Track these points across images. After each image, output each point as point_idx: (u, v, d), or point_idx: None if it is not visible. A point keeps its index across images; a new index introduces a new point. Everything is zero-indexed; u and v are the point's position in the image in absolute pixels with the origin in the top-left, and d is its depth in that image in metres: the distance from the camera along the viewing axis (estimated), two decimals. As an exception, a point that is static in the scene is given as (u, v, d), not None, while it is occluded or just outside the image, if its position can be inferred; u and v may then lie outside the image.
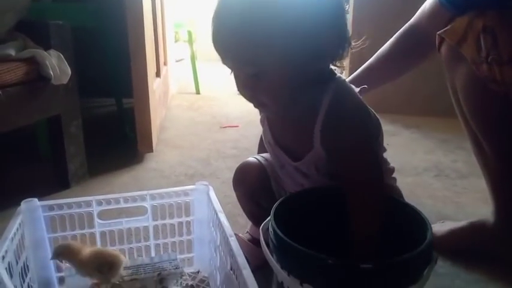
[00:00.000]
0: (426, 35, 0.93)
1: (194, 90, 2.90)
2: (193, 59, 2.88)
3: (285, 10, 0.62)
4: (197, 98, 2.78)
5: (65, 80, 1.24)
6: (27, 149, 1.69)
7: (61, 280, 0.83)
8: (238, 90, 0.71)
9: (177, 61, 3.65)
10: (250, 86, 0.68)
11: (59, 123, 1.28)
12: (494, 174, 0.89)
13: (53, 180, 1.36)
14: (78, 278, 0.82)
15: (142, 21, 1.51)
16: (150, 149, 1.62)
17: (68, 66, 1.25)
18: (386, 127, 2.07)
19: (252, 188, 0.88)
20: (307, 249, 0.59)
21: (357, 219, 0.65)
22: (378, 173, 0.69)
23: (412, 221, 0.67)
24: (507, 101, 0.80)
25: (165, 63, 2.35)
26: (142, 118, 1.57)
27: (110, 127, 2.09)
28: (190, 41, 2.93)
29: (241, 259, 0.66)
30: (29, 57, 1.18)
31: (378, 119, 0.78)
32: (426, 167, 1.55)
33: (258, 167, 0.89)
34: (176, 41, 3.72)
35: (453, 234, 0.98)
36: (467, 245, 0.96)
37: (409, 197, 1.29)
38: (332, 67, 0.73)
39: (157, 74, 1.99)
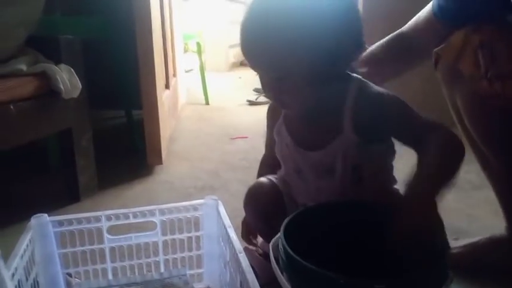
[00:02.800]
0: (417, 44, 0.93)
1: (203, 101, 2.91)
2: (202, 69, 2.90)
3: (306, 18, 0.67)
4: (206, 108, 2.79)
5: (75, 94, 1.25)
6: (38, 161, 1.70)
7: (71, 296, 0.83)
8: (264, 91, 0.76)
9: (186, 71, 3.68)
10: (274, 88, 0.73)
11: (70, 137, 1.29)
12: (503, 188, 0.88)
13: (64, 193, 1.36)
14: (88, 291, 0.82)
15: (151, 33, 1.53)
16: (159, 161, 1.62)
17: (78, 80, 1.26)
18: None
19: (266, 209, 0.86)
20: (317, 268, 0.57)
21: (431, 157, 0.66)
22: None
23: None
24: (510, 115, 0.80)
25: (174, 75, 2.36)
26: (151, 130, 1.58)
27: (120, 139, 2.10)
28: (199, 52, 2.95)
29: (251, 276, 0.65)
30: (40, 72, 1.19)
31: None
32: (439, 178, 1.53)
33: (271, 186, 0.87)
34: (185, 51, 3.75)
35: (468, 250, 0.95)
36: (482, 262, 0.94)
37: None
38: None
39: (167, 86, 2.00)
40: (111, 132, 2.27)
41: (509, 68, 0.76)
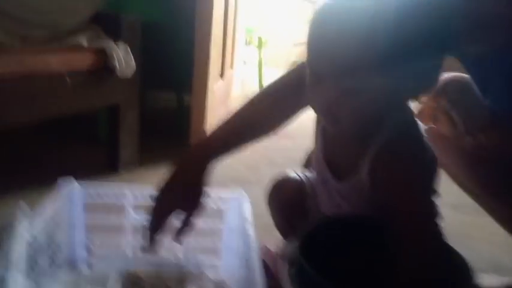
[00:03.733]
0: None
1: (257, 95, 2.91)
2: (260, 64, 2.90)
3: (393, 22, 0.57)
4: (259, 102, 2.78)
5: (129, 74, 1.29)
6: (88, 131, 1.79)
7: (89, 263, 0.86)
8: (319, 106, 0.66)
9: (245, 64, 3.70)
10: (338, 101, 0.62)
11: (118, 112, 1.34)
12: None
13: (104, 165, 1.42)
14: (105, 264, 0.85)
15: (211, 22, 1.54)
16: (201, 149, 1.64)
17: (133, 60, 1.30)
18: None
19: (287, 204, 0.85)
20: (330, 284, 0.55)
21: (402, 258, 0.60)
22: (429, 210, 0.64)
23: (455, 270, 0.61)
24: (506, 162, 0.76)
25: (231, 66, 2.38)
26: (197, 117, 1.60)
27: (170, 121, 2.15)
28: (260, 46, 2.95)
29: (259, 277, 0.64)
30: (99, 48, 1.24)
31: (436, 160, 0.71)
32: (488, 207, 1.42)
33: (297, 184, 0.85)
34: (248, 44, 3.77)
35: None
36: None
37: (463, 239, 1.20)
38: None
39: (221, 76, 2.02)
40: (163, 113, 2.33)
41: (486, 117, 0.76)
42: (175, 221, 0.76)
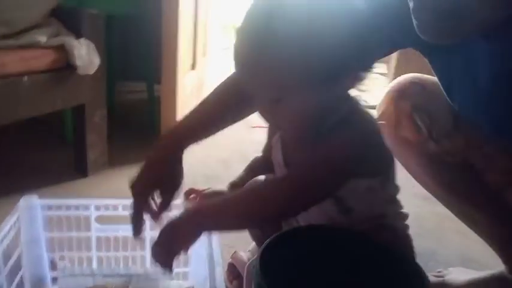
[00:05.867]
0: None
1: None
2: (235, 51, 2.84)
3: (313, 32, 0.57)
4: (234, 90, 2.74)
5: (92, 71, 1.24)
6: (54, 133, 1.73)
7: (54, 280, 0.83)
8: (259, 113, 0.67)
9: (224, 49, 3.63)
10: (270, 110, 0.64)
11: (83, 112, 1.29)
12: (490, 233, 0.85)
13: (72, 167, 1.38)
14: (71, 279, 0.82)
15: (178, 12, 1.49)
16: (173, 143, 1.60)
17: (97, 56, 1.25)
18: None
19: None
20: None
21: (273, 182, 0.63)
22: (314, 188, 0.62)
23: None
24: (467, 166, 0.78)
25: (204, 54, 2.32)
26: (168, 112, 1.56)
27: (141, 113, 2.10)
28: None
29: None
30: (59, 45, 1.19)
31: (389, 153, 0.71)
32: (459, 197, 1.45)
33: None
34: (224, 29, 3.70)
35: (469, 286, 0.90)
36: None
37: (435, 230, 1.22)
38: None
39: (193, 67, 1.97)
40: (134, 105, 2.28)
41: (450, 123, 0.76)
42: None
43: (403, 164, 0.87)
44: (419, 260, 0.64)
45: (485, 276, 0.91)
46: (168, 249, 0.61)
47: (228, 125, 0.83)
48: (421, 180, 0.89)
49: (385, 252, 0.66)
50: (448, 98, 0.75)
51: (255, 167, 0.89)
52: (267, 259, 0.62)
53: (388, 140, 0.82)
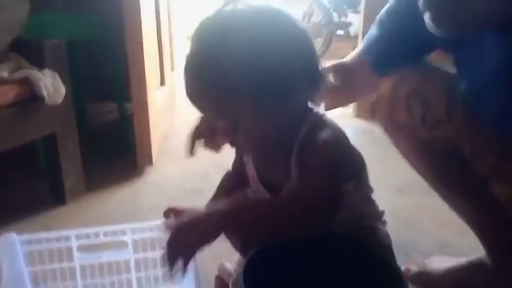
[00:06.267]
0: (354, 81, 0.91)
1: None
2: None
3: (247, 56, 0.58)
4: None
5: (59, 100, 1.24)
6: (30, 160, 1.70)
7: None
8: (218, 136, 0.69)
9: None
10: (228, 134, 0.66)
11: (55, 141, 1.29)
12: (474, 222, 0.87)
13: (50, 197, 1.36)
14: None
15: (141, 33, 1.49)
16: (149, 162, 1.61)
17: (62, 85, 1.24)
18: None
19: None
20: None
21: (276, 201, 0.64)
22: (324, 203, 0.63)
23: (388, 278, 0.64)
24: (458, 154, 0.79)
25: (172, 69, 2.33)
26: (141, 131, 1.57)
27: (114, 134, 2.09)
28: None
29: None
30: (23, 78, 1.18)
31: (360, 155, 0.74)
32: (432, 185, 1.50)
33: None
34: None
35: (450, 274, 0.94)
36: (463, 286, 0.92)
37: (410, 221, 1.26)
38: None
39: (162, 83, 1.98)
40: (107, 126, 2.26)
41: (443, 112, 0.76)
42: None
43: (395, 146, 0.90)
44: (401, 250, 0.67)
45: (464, 264, 0.94)
46: (187, 244, 0.60)
47: None
48: (411, 163, 0.90)
49: (366, 253, 0.69)
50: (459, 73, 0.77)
51: (227, 185, 0.90)
52: (251, 272, 0.63)
53: (382, 123, 0.87)
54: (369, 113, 0.89)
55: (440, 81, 0.80)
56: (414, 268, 0.97)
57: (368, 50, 0.88)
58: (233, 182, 0.88)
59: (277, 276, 0.67)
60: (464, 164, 0.80)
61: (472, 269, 0.92)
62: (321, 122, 0.68)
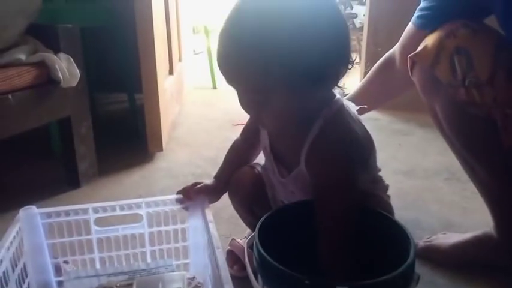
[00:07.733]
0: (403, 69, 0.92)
1: (211, 85, 2.91)
2: (210, 53, 2.89)
3: (284, 36, 0.60)
4: (213, 93, 2.79)
5: (74, 83, 1.27)
6: (41, 146, 1.75)
7: (60, 284, 0.86)
8: (242, 107, 0.70)
9: (196, 54, 3.67)
10: (253, 109, 0.68)
11: (69, 125, 1.32)
12: (489, 192, 0.87)
13: (64, 180, 1.40)
14: (76, 282, 0.85)
15: (152, 20, 1.52)
16: (160, 148, 1.64)
17: (77, 68, 1.28)
18: (400, 126, 2.05)
19: (247, 196, 0.89)
20: (285, 269, 0.59)
21: (323, 245, 0.66)
22: (350, 203, 0.68)
23: (397, 237, 0.67)
24: (490, 121, 0.77)
25: (179, 59, 2.37)
26: (152, 118, 1.59)
27: (125, 123, 2.13)
28: (207, 35, 2.94)
29: (225, 273, 0.67)
30: (39, 61, 1.21)
31: (370, 140, 0.77)
32: (437, 169, 1.52)
33: (253, 175, 0.89)
34: (196, 33, 3.73)
35: (456, 248, 0.95)
36: (470, 259, 0.94)
37: (415, 202, 1.28)
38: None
39: (170, 72, 2.01)
40: (116, 116, 2.30)
41: (486, 75, 0.73)
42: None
43: (426, 102, 0.88)
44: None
45: (470, 238, 0.95)
46: None
47: None
48: (438, 122, 0.87)
49: (374, 215, 0.72)
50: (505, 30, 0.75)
51: (233, 156, 0.94)
52: (264, 233, 0.67)
53: (421, 76, 0.84)
54: (406, 65, 0.87)
55: (490, 41, 0.77)
56: (421, 243, 1.00)
57: (417, 16, 0.88)
58: (238, 153, 0.92)
59: (287, 233, 0.70)
60: (494, 133, 0.77)
61: (478, 242, 0.93)
62: (334, 118, 0.70)
